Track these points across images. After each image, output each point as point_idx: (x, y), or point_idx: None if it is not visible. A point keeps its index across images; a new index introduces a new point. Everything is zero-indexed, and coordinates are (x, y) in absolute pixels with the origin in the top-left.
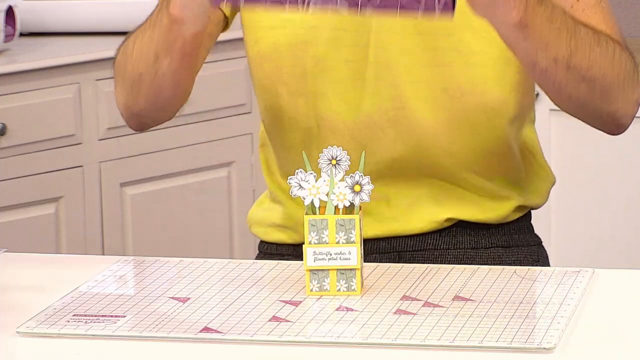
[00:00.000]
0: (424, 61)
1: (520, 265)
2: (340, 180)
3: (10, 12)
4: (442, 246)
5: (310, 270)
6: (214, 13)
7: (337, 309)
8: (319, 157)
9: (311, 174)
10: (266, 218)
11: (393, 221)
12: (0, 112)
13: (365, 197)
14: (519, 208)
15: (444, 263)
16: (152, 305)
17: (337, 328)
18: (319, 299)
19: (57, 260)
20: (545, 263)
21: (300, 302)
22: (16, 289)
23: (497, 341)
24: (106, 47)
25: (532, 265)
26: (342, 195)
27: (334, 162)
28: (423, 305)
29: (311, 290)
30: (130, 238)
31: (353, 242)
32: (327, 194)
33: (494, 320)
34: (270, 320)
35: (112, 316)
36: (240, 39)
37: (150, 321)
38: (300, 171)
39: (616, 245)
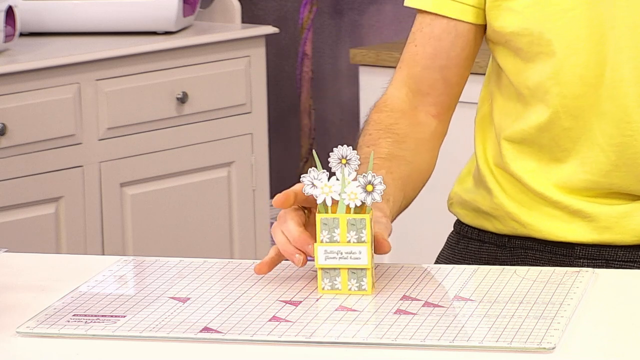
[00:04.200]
0: None
1: None
2: (353, 180)
3: (10, 12)
4: None
5: (322, 269)
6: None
7: (337, 309)
8: (329, 157)
9: (323, 172)
10: (471, 202)
11: (606, 230)
12: (0, 112)
13: (377, 197)
14: None
15: None
16: (152, 305)
17: (337, 328)
18: (319, 298)
19: (57, 260)
20: None
21: (300, 302)
22: (16, 289)
23: (497, 341)
24: (106, 47)
25: None
26: (354, 195)
27: (344, 161)
28: (423, 305)
29: (323, 288)
30: (130, 238)
31: (364, 241)
32: (339, 193)
33: (494, 320)
34: (270, 320)
35: (112, 316)
36: (240, 39)
37: (150, 321)
38: (313, 170)
39: None
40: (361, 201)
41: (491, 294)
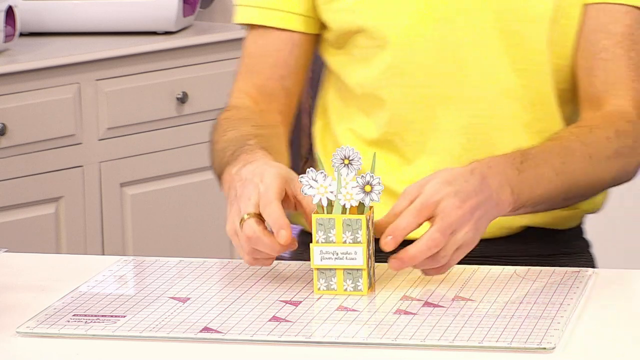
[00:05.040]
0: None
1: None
2: (351, 180)
3: (10, 12)
4: (510, 253)
5: (318, 269)
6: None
7: (337, 309)
8: (332, 156)
9: (321, 172)
10: None
11: None
12: (0, 112)
13: (375, 197)
14: (582, 213)
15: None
16: (152, 305)
17: (337, 328)
18: (319, 298)
19: (57, 260)
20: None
21: (300, 302)
22: (16, 289)
23: (497, 341)
24: (106, 47)
25: None
26: (349, 195)
27: (346, 161)
28: (423, 305)
29: (319, 289)
30: (130, 238)
31: (359, 242)
32: (335, 193)
33: (494, 320)
34: (270, 320)
35: (112, 316)
36: (240, 39)
37: (150, 321)
38: (311, 170)
39: (616, 245)
40: (358, 202)
41: (491, 294)
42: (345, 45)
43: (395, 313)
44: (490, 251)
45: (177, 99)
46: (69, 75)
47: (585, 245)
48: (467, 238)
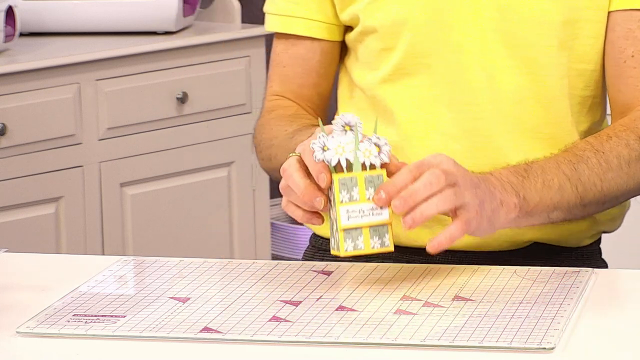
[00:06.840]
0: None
1: None
2: (360, 142)
3: (10, 12)
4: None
5: (345, 230)
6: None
7: (337, 309)
8: (333, 123)
9: (331, 137)
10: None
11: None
12: (0, 112)
13: (385, 157)
14: (594, 232)
15: None
16: (152, 305)
17: (337, 328)
18: (318, 298)
19: (57, 260)
20: None
21: (300, 302)
22: (16, 289)
23: (497, 341)
24: (106, 47)
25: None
26: (368, 152)
27: (347, 128)
28: (423, 305)
29: (346, 250)
30: (130, 238)
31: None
32: (353, 152)
33: (494, 320)
34: (270, 320)
35: (112, 316)
36: (240, 39)
37: (150, 321)
38: (322, 135)
39: (617, 245)
40: (374, 158)
41: (491, 294)
42: (356, 47)
43: (395, 313)
44: (496, 264)
45: (177, 99)
46: (69, 75)
47: (599, 265)
48: (468, 201)
